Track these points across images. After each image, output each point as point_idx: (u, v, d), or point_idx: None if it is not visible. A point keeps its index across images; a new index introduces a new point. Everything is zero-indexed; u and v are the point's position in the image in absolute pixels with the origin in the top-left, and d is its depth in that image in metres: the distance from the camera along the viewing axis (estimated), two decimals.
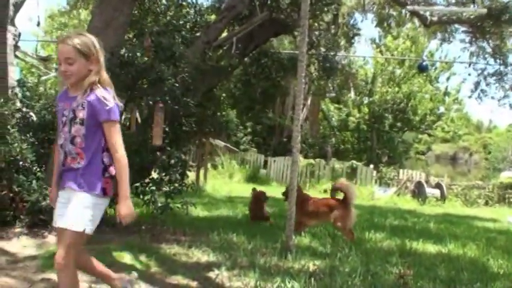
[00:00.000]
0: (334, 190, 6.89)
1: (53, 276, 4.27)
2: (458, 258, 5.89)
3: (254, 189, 7.87)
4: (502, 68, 12.95)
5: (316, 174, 19.34)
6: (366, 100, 28.08)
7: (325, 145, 27.40)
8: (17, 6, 7.67)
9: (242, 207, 8.02)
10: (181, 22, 7.23)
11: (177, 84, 5.98)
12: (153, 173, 6.51)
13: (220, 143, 19.61)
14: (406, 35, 27.90)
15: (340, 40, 9.32)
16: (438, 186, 17.11)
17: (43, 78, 10.49)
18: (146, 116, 6.50)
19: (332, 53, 8.60)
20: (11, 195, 5.78)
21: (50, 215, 5.69)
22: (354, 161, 20.75)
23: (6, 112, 6.12)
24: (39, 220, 5.75)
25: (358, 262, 5.23)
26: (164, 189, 6.27)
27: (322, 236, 6.82)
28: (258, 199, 7.64)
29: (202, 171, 13.70)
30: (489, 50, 12.70)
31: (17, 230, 5.63)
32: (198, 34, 7.39)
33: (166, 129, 6.25)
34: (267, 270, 4.77)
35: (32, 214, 5.73)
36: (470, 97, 14.49)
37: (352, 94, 28.96)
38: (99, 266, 3.48)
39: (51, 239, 5.54)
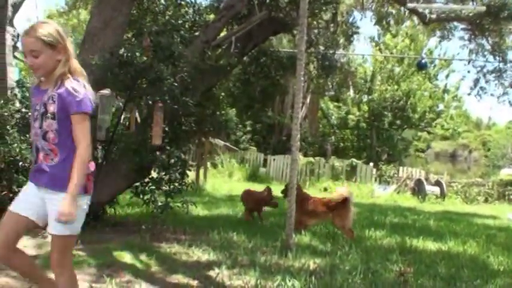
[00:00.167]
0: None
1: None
2: (458, 256, 5.91)
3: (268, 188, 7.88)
4: (501, 65, 12.94)
5: (316, 173, 19.34)
6: (365, 98, 28.10)
7: (325, 143, 27.40)
8: (16, 7, 7.66)
9: (242, 206, 8.01)
10: (180, 22, 7.21)
11: (176, 84, 5.97)
12: (152, 172, 6.52)
13: (220, 142, 19.60)
14: (405, 32, 27.90)
15: (339, 38, 9.31)
16: (438, 183, 17.12)
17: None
18: (145, 115, 6.50)
19: (331, 51, 8.59)
20: (11, 195, 5.77)
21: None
22: (354, 159, 20.75)
23: (6, 113, 6.12)
24: None
25: (358, 260, 5.24)
26: (164, 188, 6.27)
27: (322, 234, 6.83)
28: (263, 200, 7.64)
29: (202, 171, 13.70)
30: (488, 47, 12.69)
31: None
32: (197, 33, 7.38)
33: (166, 128, 6.25)
34: (267, 268, 4.78)
35: None
36: (469, 94, 14.49)
37: (351, 92, 28.97)
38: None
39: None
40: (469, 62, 14.19)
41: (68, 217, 2.67)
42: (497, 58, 12.75)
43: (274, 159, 19.98)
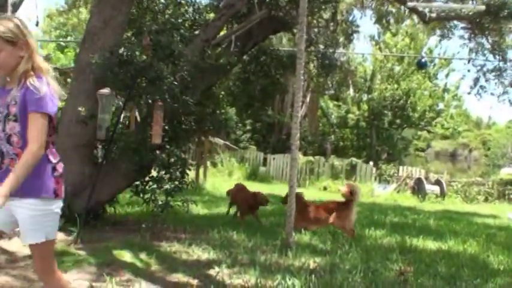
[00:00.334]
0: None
1: None
2: (458, 255, 5.90)
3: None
4: (501, 64, 12.93)
5: (316, 172, 19.35)
6: (365, 97, 28.09)
7: (325, 142, 27.42)
8: (15, 6, 7.67)
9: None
10: (180, 20, 7.21)
11: (176, 83, 5.97)
12: (152, 171, 6.52)
13: (220, 141, 19.61)
14: (405, 31, 27.88)
15: (339, 37, 9.31)
16: (438, 183, 17.13)
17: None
18: (145, 114, 6.49)
19: (331, 50, 8.58)
20: None
21: None
22: (354, 158, 20.78)
23: None
24: None
25: (358, 259, 5.24)
26: (164, 187, 6.27)
27: (322, 233, 6.83)
28: (258, 202, 7.41)
29: (201, 170, 13.70)
30: (488, 46, 12.67)
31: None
32: (196, 32, 7.38)
33: (166, 127, 6.25)
34: (267, 267, 4.78)
35: None
36: (469, 93, 14.42)
37: (351, 91, 28.96)
38: None
39: None
40: (469, 61, 14.18)
41: None
42: (497, 57, 12.74)
43: (274, 158, 20.00)
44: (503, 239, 7.52)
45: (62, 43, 26.46)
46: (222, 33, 7.59)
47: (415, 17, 14.63)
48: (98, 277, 4.25)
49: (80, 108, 6.01)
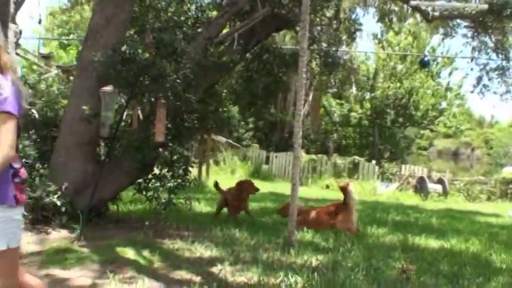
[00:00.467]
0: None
1: (56, 272, 4.30)
2: (460, 253, 5.90)
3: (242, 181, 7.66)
4: (504, 62, 12.89)
5: (318, 170, 19.35)
6: (367, 95, 28.04)
7: (327, 141, 27.39)
8: (18, 4, 7.67)
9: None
10: (182, 18, 7.21)
11: (178, 81, 5.97)
12: (155, 169, 6.53)
13: (222, 139, 19.63)
14: (408, 30, 27.82)
15: (341, 35, 9.29)
16: (440, 181, 17.11)
17: (45, 75, 10.50)
18: (148, 112, 6.50)
19: (334, 49, 8.57)
20: None
21: (53, 211, 5.75)
22: (356, 157, 20.75)
23: None
24: (42, 216, 5.78)
25: (360, 257, 5.24)
26: (167, 185, 6.29)
27: (325, 231, 6.83)
28: (245, 190, 7.36)
29: (204, 167, 13.72)
30: (491, 44, 12.63)
31: (20, 226, 5.64)
32: (199, 30, 7.38)
33: (169, 125, 6.26)
34: (269, 265, 4.78)
35: (35, 211, 5.75)
36: (472, 92, 14.48)
37: (353, 89, 28.91)
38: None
39: (55, 235, 5.58)
40: (472, 60, 14.16)
41: None
42: (500, 56, 12.70)
43: (276, 157, 20.00)
44: (506, 238, 7.51)
45: (65, 41, 26.50)
46: (224, 31, 7.58)
47: (418, 15, 14.59)
48: (101, 274, 4.26)
49: (84, 107, 6.02)
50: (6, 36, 6.95)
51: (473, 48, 13.40)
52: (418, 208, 11.72)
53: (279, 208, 7.35)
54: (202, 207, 8.05)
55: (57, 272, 4.29)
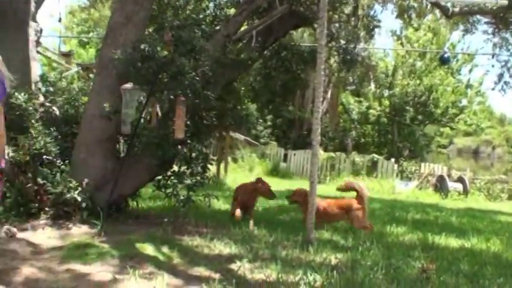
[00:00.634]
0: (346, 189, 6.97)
1: (77, 267, 4.35)
2: (481, 253, 5.83)
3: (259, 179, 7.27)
4: None
5: (337, 168, 19.28)
6: (386, 93, 27.83)
7: (346, 138, 27.28)
8: (39, 3, 7.76)
9: (263, 201, 8.00)
10: (201, 16, 7.25)
11: (197, 78, 6.00)
12: (174, 166, 6.57)
13: (240, 137, 19.66)
14: (428, 26, 27.52)
15: (360, 32, 9.22)
16: (460, 180, 16.91)
17: (65, 73, 10.62)
18: (167, 110, 6.53)
19: (352, 45, 8.52)
20: (36, 187, 5.88)
21: (74, 207, 5.82)
22: (375, 155, 20.64)
23: (30, 107, 6.23)
24: (63, 212, 5.86)
25: (379, 256, 5.20)
26: (186, 182, 6.32)
27: (344, 229, 6.81)
28: (259, 191, 7.04)
29: (222, 165, 13.75)
30: None
31: (42, 221, 5.74)
32: (217, 28, 7.39)
33: (188, 122, 6.29)
34: (288, 262, 4.78)
35: (56, 206, 5.84)
36: (493, 89, 14.25)
37: (372, 87, 28.72)
38: None
39: (75, 230, 5.65)
40: (493, 56, 13.99)
41: None
42: None
43: (294, 154, 19.98)
44: None
45: (84, 39, 26.77)
46: (242, 28, 7.59)
47: (437, 11, 14.44)
48: (121, 269, 4.30)
49: (104, 104, 6.08)
50: (27, 34, 7.04)
51: (494, 45, 13.25)
52: (438, 207, 11.61)
53: (289, 195, 7.10)
54: (220, 204, 8.07)
55: (78, 267, 4.34)
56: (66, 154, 6.37)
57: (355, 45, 8.59)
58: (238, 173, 16.42)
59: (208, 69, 6.28)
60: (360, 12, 9.61)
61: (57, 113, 6.82)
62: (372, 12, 10.46)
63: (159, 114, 6.53)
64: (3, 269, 4.17)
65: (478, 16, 12.60)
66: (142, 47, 5.90)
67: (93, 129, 6.35)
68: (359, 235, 6.32)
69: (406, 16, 17.23)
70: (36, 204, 5.86)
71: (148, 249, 5.03)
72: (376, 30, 10.23)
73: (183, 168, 6.41)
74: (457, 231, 7.34)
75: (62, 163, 6.18)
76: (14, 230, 5.32)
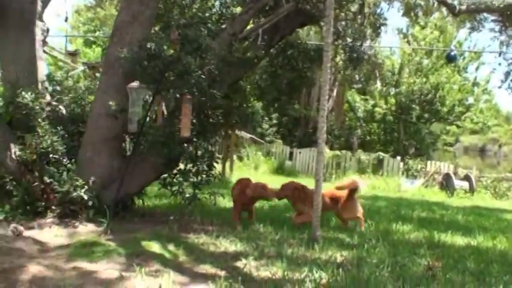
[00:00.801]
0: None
1: (84, 264, 4.38)
2: (487, 251, 5.82)
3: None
4: None
5: (342, 166, 19.25)
6: (392, 91, 27.71)
7: (351, 136, 27.22)
8: (45, 2, 7.77)
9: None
10: (207, 14, 7.26)
11: (203, 76, 6.01)
12: (180, 164, 6.59)
13: (246, 135, 19.68)
14: (434, 24, 27.41)
15: (366, 30, 9.19)
16: (467, 178, 16.84)
17: (72, 72, 10.66)
18: (173, 108, 6.55)
19: (358, 43, 8.50)
20: (42, 186, 5.92)
21: (80, 205, 5.85)
22: (381, 153, 20.59)
23: (37, 106, 6.26)
24: (70, 210, 5.89)
25: (385, 253, 5.21)
26: (192, 180, 6.34)
27: (349, 227, 6.81)
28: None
29: (228, 163, 13.76)
30: None
31: (49, 220, 5.77)
32: (223, 26, 7.39)
33: (194, 121, 6.30)
34: (294, 260, 4.79)
35: (62, 204, 5.87)
36: (500, 87, 14.19)
37: (378, 85, 28.63)
38: None
39: (82, 228, 5.68)
40: (500, 54, 13.88)
41: None
42: None
43: (300, 152, 19.98)
44: None
45: (90, 38, 26.83)
46: (249, 26, 7.59)
47: (444, 9, 14.40)
48: (127, 267, 4.33)
49: (110, 102, 6.10)
50: (33, 33, 7.07)
51: (501, 43, 13.17)
52: (444, 205, 11.58)
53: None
54: (226, 202, 8.09)
55: (85, 265, 4.37)
56: (73, 153, 6.40)
57: (361, 43, 8.58)
58: (244, 171, 16.42)
59: (214, 67, 6.29)
60: (366, 10, 9.59)
61: (64, 112, 6.85)
62: (378, 10, 10.45)
63: (165, 112, 6.55)
64: (10, 267, 4.20)
65: (485, 14, 12.53)
66: (148, 45, 5.92)
67: (99, 128, 6.38)
68: (365, 233, 6.32)
69: (412, 14, 17.21)
70: (43, 203, 5.90)
71: (155, 247, 5.05)
72: (383, 28, 10.22)
73: (189, 166, 6.43)
74: (463, 229, 7.32)
75: (68, 162, 6.21)
76: (21, 228, 5.36)
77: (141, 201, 7.15)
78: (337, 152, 20.34)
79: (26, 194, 5.86)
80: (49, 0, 8.13)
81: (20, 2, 6.92)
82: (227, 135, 13.06)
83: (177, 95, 6.13)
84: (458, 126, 33.05)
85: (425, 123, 27.74)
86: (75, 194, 5.83)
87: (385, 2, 14.13)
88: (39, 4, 7.37)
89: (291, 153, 20.40)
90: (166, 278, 4.04)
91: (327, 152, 18.76)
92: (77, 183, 5.90)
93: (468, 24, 14.28)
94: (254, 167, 18.12)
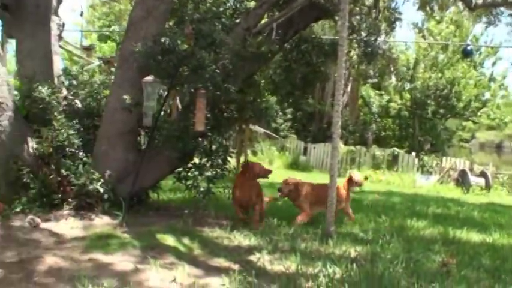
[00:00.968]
0: None
1: (99, 256, 4.42)
2: (503, 248, 5.78)
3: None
4: None
5: (357, 161, 19.19)
6: (407, 86, 27.49)
7: (366, 132, 27.09)
8: None
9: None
10: (221, 9, 7.24)
11: (217, 71, 6.02)
12: (195, 158, 6.61)
13: (260, 130, 19.68)
14: (450, 19, 27.12)
15: (381, 24, 9.12)
16: (483, 174, 16.69)
17: (87, 67, 10.73)
18: (187, 103, 6.57)
19: (373, 38, 8.43)
20: (59, 179, 5.98)
21: (96, 198, 5.91)
22: (395, 148, 20.47)
23: (54, 101, 6.32)
24: (86, 203, 5.95)
25: (400, 249, 5.19)
26: (206, 174, 6.36)
27: (363, 222, 6.80)
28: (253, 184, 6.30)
29: (242, 158, 13.77)
30: None
31: (65, 212, 5.84)
32: (238, 21, 7.38)
33: (208, 115, 6.32)
34: (308, 255, 4.80)
35: (78, 197, 5.93)
36: None
37: (393, 80, 28.43)
38: None
39: (98, 221, 5.73)
40: None
41: None
42: None
43: (314, 148, 19.94)
44: None
45: (105, 33, 26.97)
46: (263, 21, 7.57)
47: (460, 3, 14.23)
48: (142, 259, 4.37)
49: (124, 96, 6.14)
50: (49, 28, 7.12)
51: None
52: (459, 201, 11.49)
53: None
54: None
55: (100, 257, 4.42)
56: (89, 146, 6.45)
57: (376, 38, 8.50)
58: None
59: (229, 62, 6.29)
60: (381, 4, 9.51)
61: (80, 105, 6.91)
62: (393, 4, 10.33)
63: (180, 107, 6.57)
64: (27, 258, 4.27)
65: (502, 8, 12.37)
66: (162, 40, 5.93)
67: (114, 122, 6.43)
68: (379, 228, 6.31)
69: (428, 8, 17.05)
70: (59, 195, 5.96)
71: (169, 240, 5.09)
72: (398, 22, 10.10)
73: (204, 160, 6.46)
74: (479, 226, 7.27)
75: (84, 155, 6.27)
76: (38, 220, 5.43)
77: (155, 194, 7.20)
78: (352, 148, 20.28)
79: (42, 186, 5.92)
80: None
81: None
82: (241, 130, 13.06)
83: (192, 90, 6.14)
84: (474, 122, 32.76)
85: (441, 119, 27.48)
86: (91, 187, 5.88)
87: None
88: None
89: (305, 148, 20.38)
90: (181, 271, 4.07)
91: (342, 147, 18.70)
92: (93, 176, 5.95)
93: (484, 19, 14.10)
94: (268, 162, 18.12)
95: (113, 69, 8.38)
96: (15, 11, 6.79)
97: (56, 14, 7.50)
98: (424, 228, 6.77)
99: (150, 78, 6.19)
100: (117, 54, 8.38)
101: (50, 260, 4.23)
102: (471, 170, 17.50)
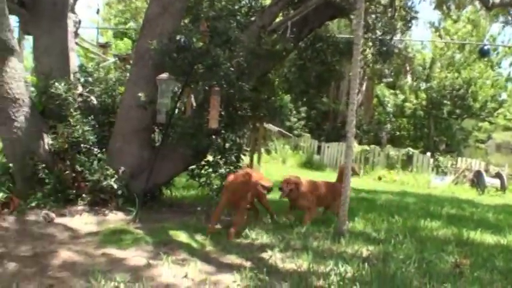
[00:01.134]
0: None
1: (113, 251, 4.47)
2: None
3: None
4: None
5: (371, 161, 19.11)
6: (423, 86, 27.28)
7: (380, 131, 26.95)
8: None
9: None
10: (236, 7, 7.26)
11: (232, 69, 6.03)
12: (208, 156, 6.64)
13: (274, 128, 19.67)
14: (467, 18, 26.85)
15: (397, 23, 9.06)
16: (498, 176, 16.52)
17: (102, 64, 10.81)
18: (202, 100, 6.60)
19: (388, 37, 8.39)
20: (74, 175, 6.04)
21: (110, 194, 5.96)
22: (410, 148, 20.35)
23: (70, 97, 6.39)
24: (100, 199, 6.00)
25: (412, 249, 5.16)
26: (220, 171, 6.38)
27: (376, 221, 6.77)
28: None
29: (255, 156, 13.79)
30: None
31: (79, 207, 5.90)
32: (253, 19, 7.39)
33: (222, 113, 6.34)
34: (319, 253, 4.79)
35: (93, 193, 5.99)
36: None
37: (408, 79, 28.23)
38: None
39: (112, 216, 5.79)
40: None
41: None
42: None
43: (328, 147, 19.90)
44: None
45: (121, 30, 27.14)
46: (278, 19, 7.57)
47: (477, 2, 14.09)
48: (155, 255, 4.40)
49: (139, 94, 6.18)
50: (66, 25, 7.20)
51: None
52: (474, 202, 11.38)
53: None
54: None
55: (114, 252, 4.46)
56: (103, 143, 6.51)
57: (391, 37, 8.47)
58: (272, 164, 16.45)
59: (243, 60, 6.30)
60: (397, 3, 9.45)
61: (95, 102, 6.97)
62: (409, 3, 10.26)
63: (194, 104, 6.60)
64: (41, 252, 4.33)
65: None
66: (178, 37, 5.96)
67: (129, 119, 6.47)
68: (392, 228, 6.28)
69: (444, 7, 16.92)
70: (74, 191, 6.02)
71: (182, 236, 5.12)
72: (414, 21, 10.03)
73: (217, 158, 6.48)
74: (493, 228, 7.19)
75: (99, 151, 6.33)
76: (53, 215, 5.49)
77: (169, 191, 7.24)
78: (366, 147, 20.21)
79: (57, 182, 5.99)
80: None
81: None
82: (255, 128, 13.06)
83: (206, 87, 6.17)
84: (490, 123, 32.39)
85: (457, 119, 27.23)
86: (105, 182, 5.94)
87: None
88: None
89: (319, 147, 20.35)
90: (193, 267, 4.10)
91: (356, 147, 18.64)
92: (107, 172, 6.01)
93: (501, 18, 13.98)
94: (282, 160, 18.13)
95: (128, 66, 8.44)
96: (32, 8, 6.86)
97: (73, 11, 7.57)
98: (437, 229, 6.72)
99: (164, 75, 6.23)
100: (133, 52, 8.44)
101: (64, 255, 4.27)
102: (486, 171, 17.35)
